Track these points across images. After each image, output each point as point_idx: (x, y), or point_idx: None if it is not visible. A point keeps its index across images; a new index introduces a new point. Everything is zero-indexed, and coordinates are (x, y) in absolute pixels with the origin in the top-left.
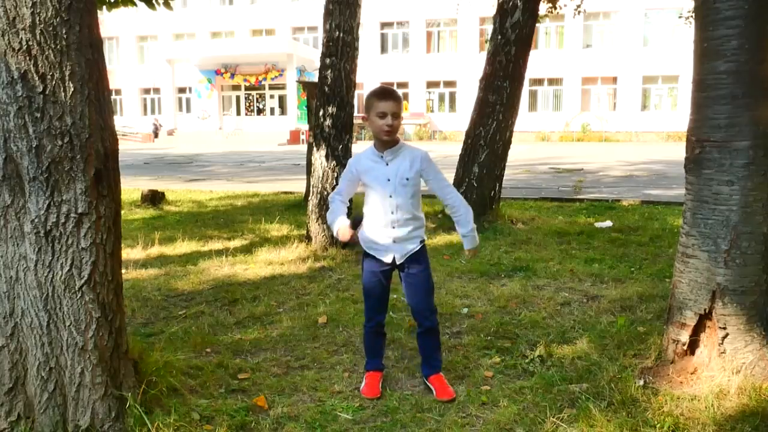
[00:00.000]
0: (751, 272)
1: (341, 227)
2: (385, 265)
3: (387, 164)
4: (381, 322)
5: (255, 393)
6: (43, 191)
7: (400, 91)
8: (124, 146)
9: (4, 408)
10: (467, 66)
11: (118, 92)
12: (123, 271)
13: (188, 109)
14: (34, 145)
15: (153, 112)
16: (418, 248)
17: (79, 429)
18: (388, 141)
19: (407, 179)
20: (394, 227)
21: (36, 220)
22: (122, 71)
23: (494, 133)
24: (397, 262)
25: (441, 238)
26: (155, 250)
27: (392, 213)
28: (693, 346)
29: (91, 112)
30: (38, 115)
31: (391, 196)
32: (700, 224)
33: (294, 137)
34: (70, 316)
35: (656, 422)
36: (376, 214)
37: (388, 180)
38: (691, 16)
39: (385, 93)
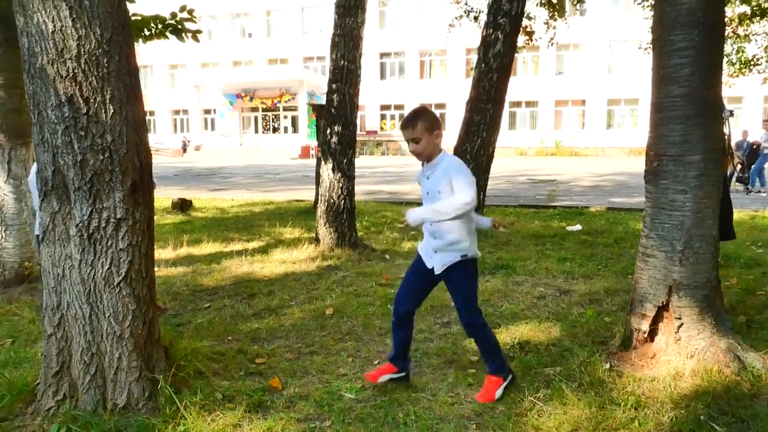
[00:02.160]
0: (702, 270)
1: None
2: (427, 268)
3: (428, 178)
4: (402, 312)
5: (270, 375)
6: (86, 199)
7: (396, 113)
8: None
9: (51, 388)
10: (455, 90)
11: (151, 113)
12: (155, 269)
13: (213, 128)
14: (78, 159)
15: (182, 130)
16: (455, 261)
17: (117, 407)
18: (423, 160)
19: (438, 192)
20: (435, 237)
21: (80, 225)
22: (155, 95)
23: (479, 149)
24: (436, 272)
25: None
26: (184, 251)
27: (430, 224)
28: (652, 334)
29: (129, 131)
30: (82, 133)
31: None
32: (658, 228)
33: (304, 152)
34: (109, 308)
35: (620, 400)
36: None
37: (427, 194)
38: (650, 47)
39: (403, 122)
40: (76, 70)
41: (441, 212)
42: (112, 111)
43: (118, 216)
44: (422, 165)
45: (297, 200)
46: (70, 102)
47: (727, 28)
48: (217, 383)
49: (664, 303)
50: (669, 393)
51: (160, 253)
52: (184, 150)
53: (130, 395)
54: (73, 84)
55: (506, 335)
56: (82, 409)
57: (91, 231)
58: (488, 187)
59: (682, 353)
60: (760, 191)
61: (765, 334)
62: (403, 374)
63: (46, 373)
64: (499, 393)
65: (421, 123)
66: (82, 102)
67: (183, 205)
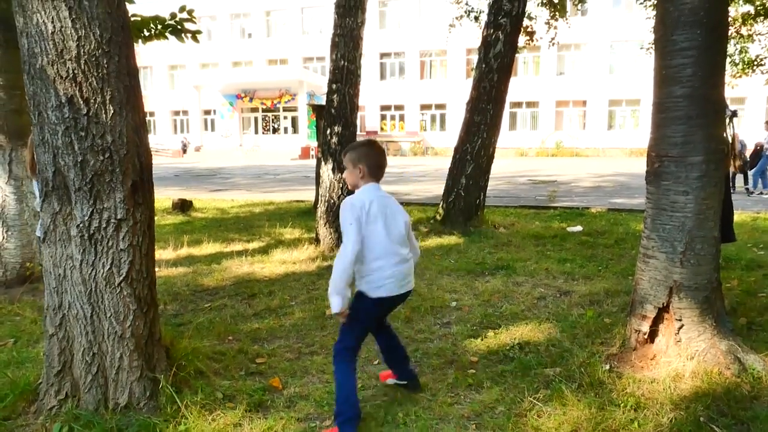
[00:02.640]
0: (703, 271)
1: None
2: None
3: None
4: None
5: (271, 375)
6: (87, 200)
7: (396, 114)
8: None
9: (53, 388)
10: (456, 91)
11: (151, 114)
12: (156, 269)
13: (212, 129)
14: (79, 160)
15: (182, 131)
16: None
17: (118, 406)
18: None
19: None
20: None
21: (81, 225)
22: (155, 96)
23: (479, 149)
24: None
25: (432, 241)
26: (184, 251)
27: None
28: (652, 335)
29: (129, 132)
30: (83, 134)
31: None
32: (659, 229)
33: (304, 153)
34: (110, 309)
35: (620, 402)
36: None
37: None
38: (652, 47)
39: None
40: (76, 71)
41: (335, 281)
42: (112, 112)
43: (119, 216)
44: None
45: (297, 201)
46: (70, 103)
47: (730, 27)
48: (217, 383)
49: (665, 304)
50: (669, 394)
51: (160, 254)
52: (184, 151)
53: (132, 395)
54: (73, 85)
55: (506, 336)
56: (84, 408)
57: (92, 231)
58: (489, 188)
59: (682, 355)
60: (762, 193)
61: (766, 336)
62: (404, 382)
63: (48, 372)
64: None
65: (348, 155)
66: (82, 103)
67: (183, 206)
